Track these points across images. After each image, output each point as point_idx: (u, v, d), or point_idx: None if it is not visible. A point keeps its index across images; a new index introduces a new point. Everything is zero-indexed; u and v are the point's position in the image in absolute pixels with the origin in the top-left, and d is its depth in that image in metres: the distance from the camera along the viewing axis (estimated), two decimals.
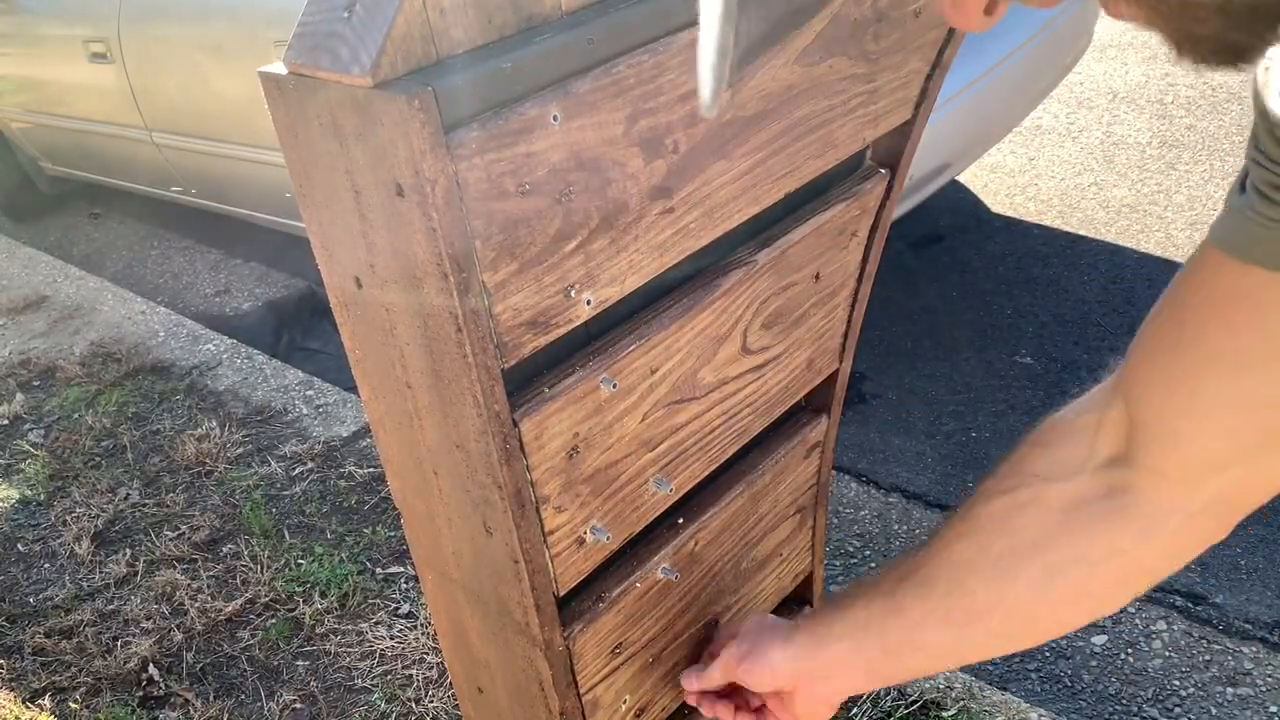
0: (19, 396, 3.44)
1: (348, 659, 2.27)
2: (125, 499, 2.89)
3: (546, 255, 0.80)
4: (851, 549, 2.50)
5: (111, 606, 2.51)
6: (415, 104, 0.67)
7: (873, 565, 2.47)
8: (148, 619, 2.46)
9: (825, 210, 1.14)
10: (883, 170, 1.21)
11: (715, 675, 1.06)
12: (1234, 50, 0.44)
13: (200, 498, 2.86)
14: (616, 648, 1.08)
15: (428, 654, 2.24)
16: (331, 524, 2.68)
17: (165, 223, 4.82)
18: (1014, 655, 2.20)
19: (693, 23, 0.86)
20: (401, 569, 2.49)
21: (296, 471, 2.90)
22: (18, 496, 2.99)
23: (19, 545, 2.79)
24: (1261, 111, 0.58)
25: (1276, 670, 2.07)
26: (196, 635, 2.38)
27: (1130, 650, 2.17)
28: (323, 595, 2.43)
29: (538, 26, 0.77)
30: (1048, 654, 2.18)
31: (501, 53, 0.73)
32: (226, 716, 2.19)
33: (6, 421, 3.34)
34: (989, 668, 2.17)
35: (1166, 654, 2.15)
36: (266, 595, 2.46)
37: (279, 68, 0.75)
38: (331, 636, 2.32)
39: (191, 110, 3.51)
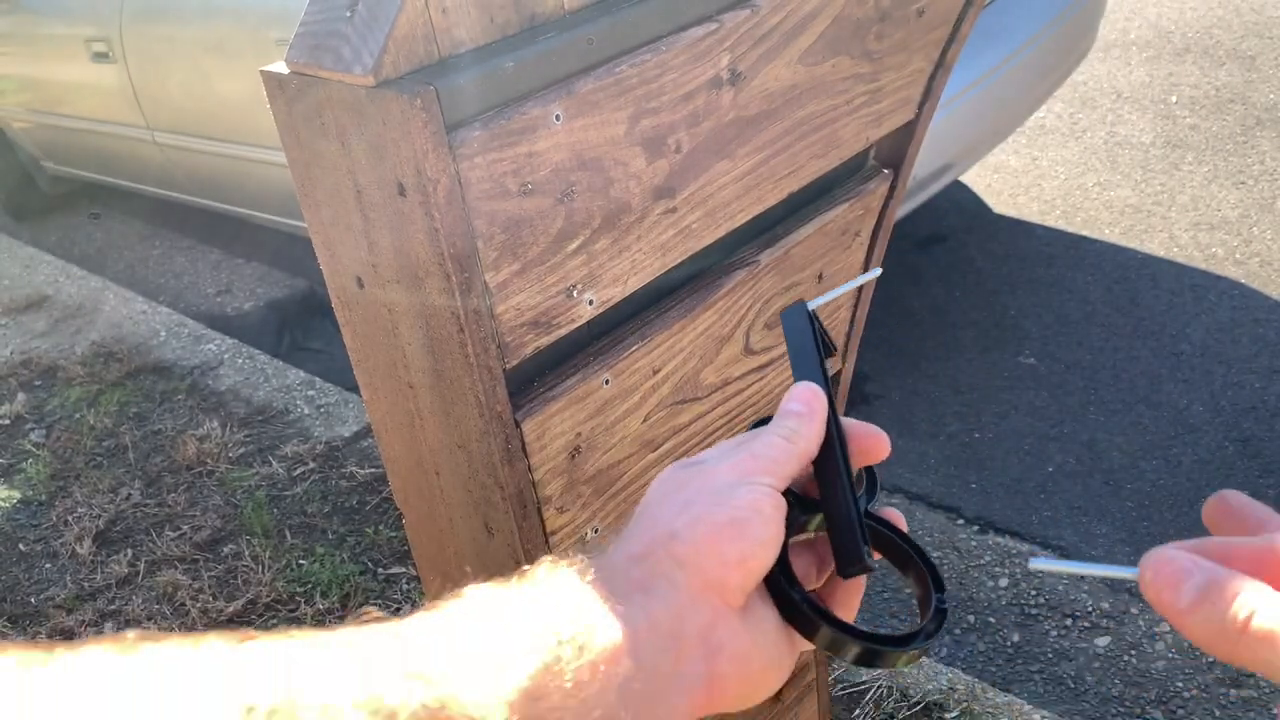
0: (20, 396, 3.44)
1: None
2: (126, 499, 2.89)
3: (549, 255, 0.80)
4: None
5: (113, 606, 2.51)
6: (418, 103, 0.66)
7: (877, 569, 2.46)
8: (149, 619, 2.45)
9: (828, 210, 1.14)
10: (886, 170, 1.21)
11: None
12: None
13: (201, 498, 2.86)
14: None
15: None
16: (333, 524, 2.68)
17: (167, 222, 4.82)
18: (1017, 657, 2.20)
19: (695, 21, 0.86)
20: (403, 569, 2.49)
21: (298, 472, 2.90)
22: (19, 496, 2.99)
23: (20, 545, 2.79)
24: None
25: None
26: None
27: (1134, 652, 2.16)
28: (324, 596, 2.43)
29: (540, 25, 0.77)
30: (1050, 656, 2.18)
31: (504, 52, 0.73)
32: None
33: (8, 421, 3.34)
34: (992, 669, 2.17)
35: (1170, 655, 2.14)
36: (268, 596, 2.46)
37: (281, 67, 0.74)
38: None
39: (193, 110, 3.51)
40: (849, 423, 0.58)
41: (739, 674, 0.49)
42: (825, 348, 0.63)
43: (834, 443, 0.56)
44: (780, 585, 0.51)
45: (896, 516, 0.59)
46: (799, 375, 0.61)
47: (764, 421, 0.60)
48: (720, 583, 0.48)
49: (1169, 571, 0.42)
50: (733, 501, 0.50)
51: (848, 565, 0.53)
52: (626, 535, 0.52)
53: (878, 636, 0.52)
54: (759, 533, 0.49)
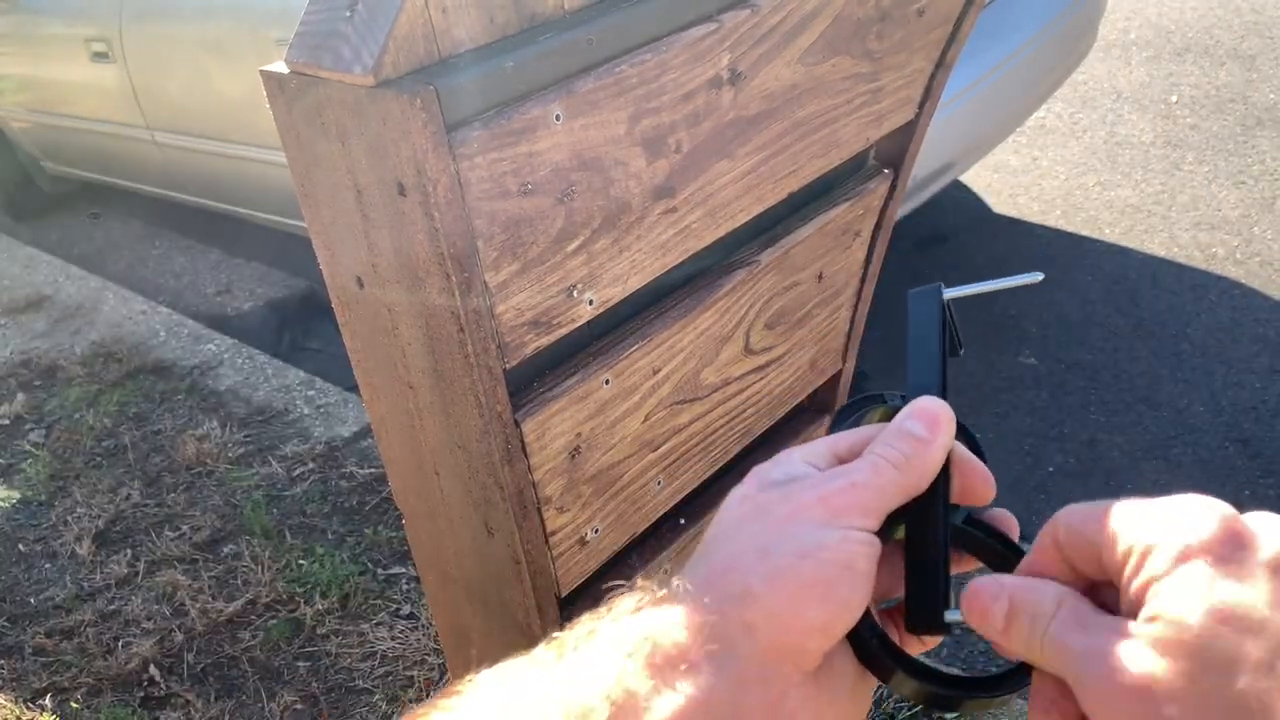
0: (20, 396, 3.44)
1: (349, 660, 2.26)
2: (126, 499, 2.89)
3: (549, 255, 0.80)
4: None
5: (112, 607, 2.51)
6: (418, 103, 0.66)
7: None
8: (149, 619, 2.45)
9: (829, 210, 1.14)
10: (886, 170, 1.21)
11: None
12: None
13: (201, 498, 2.86)
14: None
15: (429, 655, 2.23)
16: (333, 524, 2.68)
17: (166, 222, 4.82)
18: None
19: (695, 21, 0.86)
20: (403, 569, 2.48)
21: (297, 472, 2.89)
22: (19, 496, 2.98)
23: (20, 545, 2.79)
24: None
25: None
26: (197, 636, 2.38)
27: None
28: (324, 596, 2.43)
29: (540, 25, 0.77)
30: None
31: (504, 51, 0.73)
32: (227, 717, 2.19)
33: (8, 421, 3.34)
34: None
35: None
36: (267, 596, 2.45)
37: (281, 67, 0.74)
38: (333, 637, 2.32)
39: (193, 109, 3.51)
40: (958, 452, 0.49)
41: None
42: (952, 346, 0.53)
43: (940, 479, 0.47)
44: (856, 629, 0.45)
45: (1007, 521, 0.50)
46: (914, 374, 0.51)
47: (851, 408, 0.51)
48: (797, 649, 0.42)
49: (977, 602, 0.44)
50: (821, 554, 0.43)
51: (919, 624, 0.47)
52: (696, 583, 0.44)
53: (961, 681, 0.46)
54: (847, 595, 0.43)
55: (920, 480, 0.46)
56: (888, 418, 0.52)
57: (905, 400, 0.50)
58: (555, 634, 0.44)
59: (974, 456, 0.50)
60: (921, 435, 0.46)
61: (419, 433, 0.89)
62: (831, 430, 0.54)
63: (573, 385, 0.88)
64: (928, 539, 0.47)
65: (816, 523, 0.44)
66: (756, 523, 0.45)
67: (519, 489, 0.86)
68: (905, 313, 0.54)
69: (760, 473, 0.48)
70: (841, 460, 0.49)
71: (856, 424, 0.55)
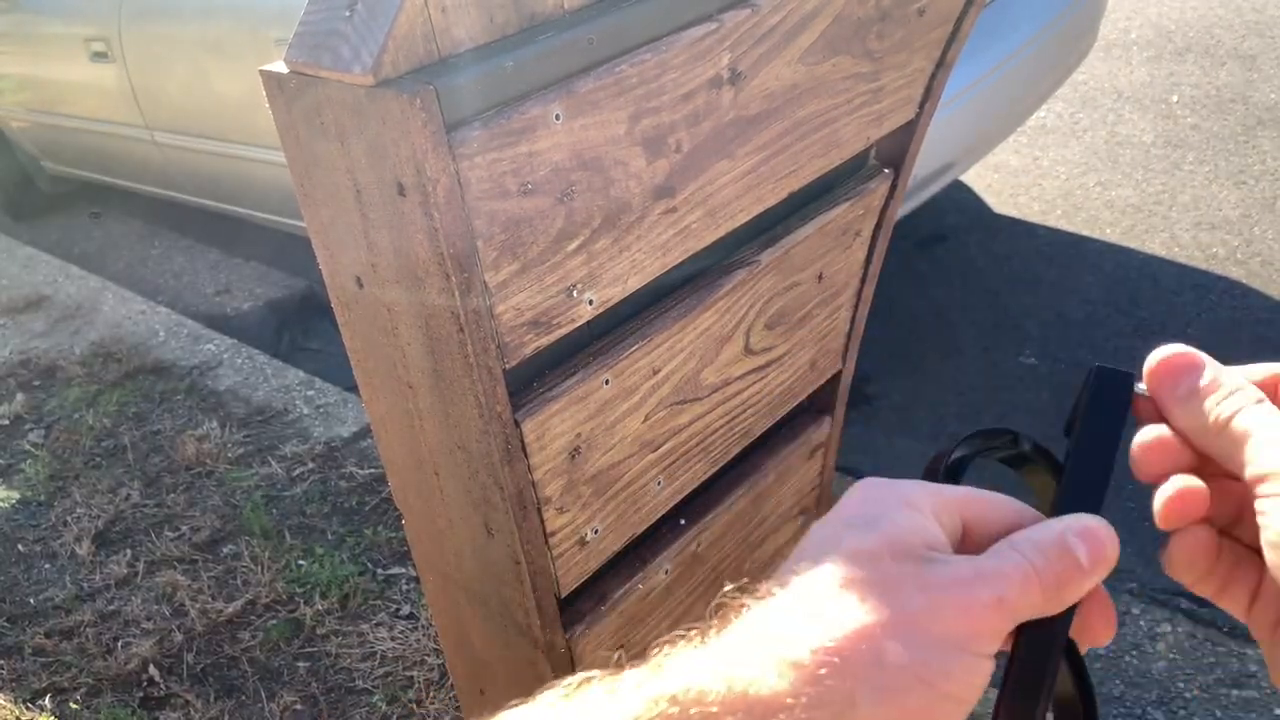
0: (19, 396, 3.44)
1: (348, 660, 2.26)
2: (126, 499, 2.88)
3: (548, 255, 0.80)
4: None
5: (112, 607, 2.51)
6: (417, 103, 0.66)
7: None
8: (148, 620, 2.45)
9: (829, 210, 1.13)
10: (887, 169, 1.21)
11: None
12: None
13: (201, 498, 2.86)
14: (619, 650, 1.08)
15: (429, 655, 2.23)
16: (332, 525, 2.68)
17: (166, 222, 4.82)
18: None
19: (695, 20, 0.86)
20: (403, 570, 2.48)
21: (297, 472, 2.89)
22: (18, 496, 2.98)
23: (19, 545, 2.79)
24: None
25: None
26: (197, 636, 2.38)
27: (1134, 653, 2.16)
28: (323, 596, 2.42)
29: (540, 25, 0.77)
30: None
31: (503, 51, 0.73)
32: (227, 717, 2.18)
33: (7, 421, 3.34)
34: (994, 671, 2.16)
35: (1171, 656, 2.14)
36: (267, 596, 2.45)
37: (280, 66, 0.74)
38: (332, 638, 2.32)
39: (193, 109, 3.51)
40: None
41: None
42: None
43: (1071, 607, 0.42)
44: None
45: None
46: (1079, 469, 0.45)
47: (989, 435, 0.46)
48: None
49: (1180, 359, 0.41)
50: (941, 685, 0.39)
51: None
52: (793, 660, 0.38)
53: None
54: None
55: (1058, 609, 0.41)
56: (1014, 459, 0.46)
57: (1058, 501, 0.44)
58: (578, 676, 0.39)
59: (1107, 593, 0.44)
60: (1083, 565, 0.41)
61: (419, 433, 0.89)
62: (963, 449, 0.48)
63: (573, 385, 0.88)
64: (1049, 665, 0.42)
65: (949, 642, 0.39)
66: (883, 603, 0.39)
67: (519, 489, 0.86)
68: (1085, 385, 0.47)
69: (885, 524, 0.41)
70: (968, 528, 0.44)
71: (986, 452, 0.50)
